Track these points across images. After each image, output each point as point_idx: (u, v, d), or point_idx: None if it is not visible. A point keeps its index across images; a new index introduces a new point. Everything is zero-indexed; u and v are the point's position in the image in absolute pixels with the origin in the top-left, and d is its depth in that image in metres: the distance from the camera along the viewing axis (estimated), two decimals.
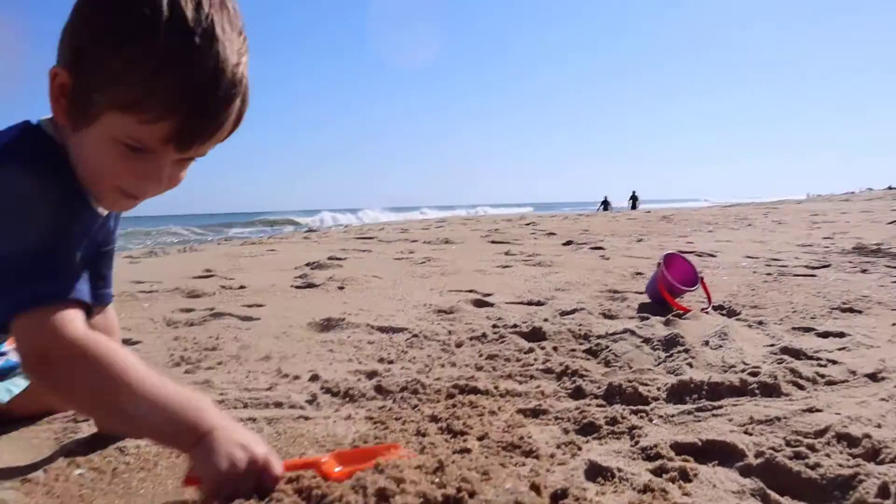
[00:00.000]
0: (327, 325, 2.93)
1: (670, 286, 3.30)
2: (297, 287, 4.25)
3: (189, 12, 1.07)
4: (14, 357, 1.74)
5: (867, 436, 1.50)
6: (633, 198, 39.04)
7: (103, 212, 1.42)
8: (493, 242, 8.41)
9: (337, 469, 1.16)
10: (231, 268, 5.52)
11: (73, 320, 1.11)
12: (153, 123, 1.09)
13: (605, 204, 38.81)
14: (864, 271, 4.72)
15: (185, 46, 1.07)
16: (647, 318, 2.88)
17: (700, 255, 6.13)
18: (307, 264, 5.53)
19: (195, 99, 1.10)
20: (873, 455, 1.44)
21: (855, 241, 7.30)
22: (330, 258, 6.00)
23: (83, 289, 1.18)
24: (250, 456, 1.09)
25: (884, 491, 1.24)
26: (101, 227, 1.49)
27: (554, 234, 10.01)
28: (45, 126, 1.27)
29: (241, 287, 4.21)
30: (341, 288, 4.17)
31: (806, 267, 5.04)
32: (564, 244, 7.90)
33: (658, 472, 1.40)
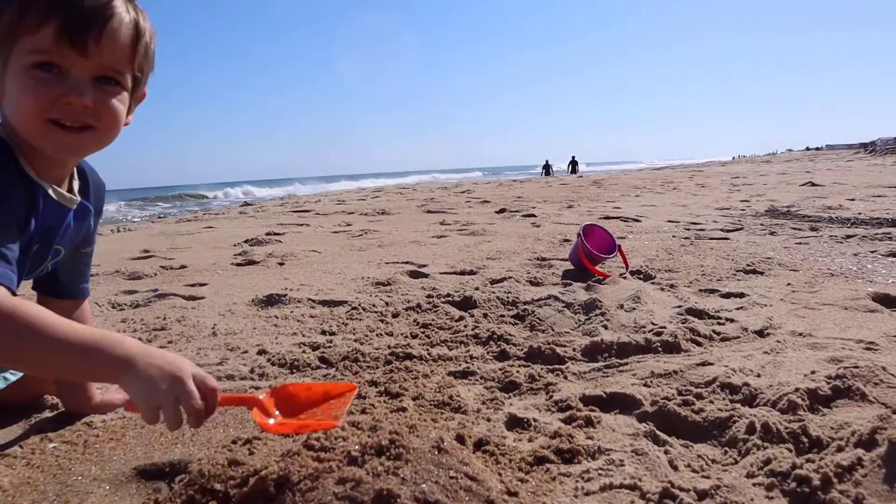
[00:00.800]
0: (270, 301, 3.06)
1: (590, 254, 3.55)
2: (238, 265, 4.33)
3: None
4: None
5: (746, 384, 1.76)
6: (573, 162, 39.31)
7: (72, 200, 1.50)
8: (428, 212, 8.60)
9: (271, 421, 1.23)
10: (169, 247, 5.54)
11: None
12: (42, 28, 1.23)
13: (547, 168, 38.98)
14: (772, 233, 5.09)
15: None
16: (570, 284, 3.12)
17: (626, 220, 6.44)
18: (246, 241, 5.61)
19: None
20: (750, 400, 1.69)
21: (769, 203, 7.75)
22: (268, 234, 6.09)
23: (7, 274, 1.18)
24: (170, 374, 1.12)
25: (751, 428, 1.49)
26: (77, 226, 1.57)
27: (488, 202, 10.24)
28: None
29: (182, 267, 4.27)
30: (281, 264, 4.29)
31: (721, 230, 5.40)
32: (498, 212, 8.14)
33: (568, 420, 1.63)
